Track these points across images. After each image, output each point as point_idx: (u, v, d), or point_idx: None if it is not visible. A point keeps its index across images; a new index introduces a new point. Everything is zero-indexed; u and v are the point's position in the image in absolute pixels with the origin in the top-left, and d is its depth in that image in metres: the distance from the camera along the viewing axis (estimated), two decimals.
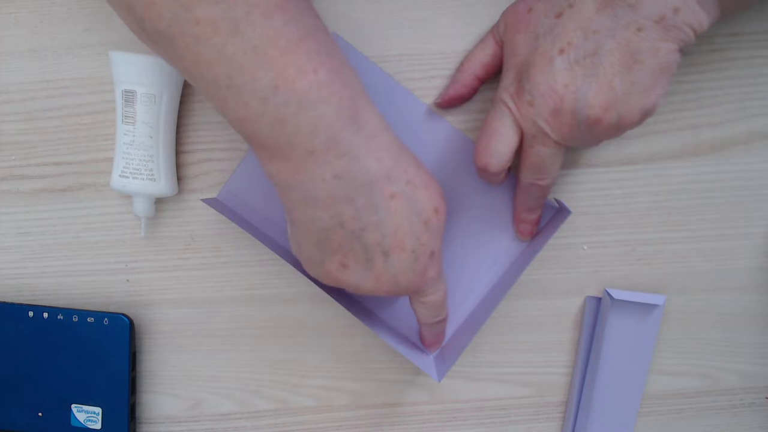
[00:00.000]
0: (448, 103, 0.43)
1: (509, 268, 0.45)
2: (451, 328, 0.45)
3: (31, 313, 0.43)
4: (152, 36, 0.33)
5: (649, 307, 0.44)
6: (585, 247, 0.45)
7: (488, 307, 0.43)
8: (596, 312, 0.45)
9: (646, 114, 0.36)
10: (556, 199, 0.44)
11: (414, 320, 0.45)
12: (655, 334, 0.45)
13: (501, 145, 0.39)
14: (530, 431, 0.48)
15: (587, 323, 0.46)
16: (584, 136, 0.37)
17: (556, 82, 0.35)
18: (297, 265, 0.42)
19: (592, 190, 0.45)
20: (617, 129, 0.37)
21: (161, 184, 0.42)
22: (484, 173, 0.41)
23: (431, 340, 0.44)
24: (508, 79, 0.38)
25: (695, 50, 0.43)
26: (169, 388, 0.46)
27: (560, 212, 0.44)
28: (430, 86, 0.43)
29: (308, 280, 0.41)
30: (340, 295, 0.43)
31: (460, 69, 0.42)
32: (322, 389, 0.46)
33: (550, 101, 0.36)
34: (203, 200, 0.41)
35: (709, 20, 0.35)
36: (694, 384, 0.47)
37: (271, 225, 0.44)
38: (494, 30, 0.41)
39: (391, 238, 0.35)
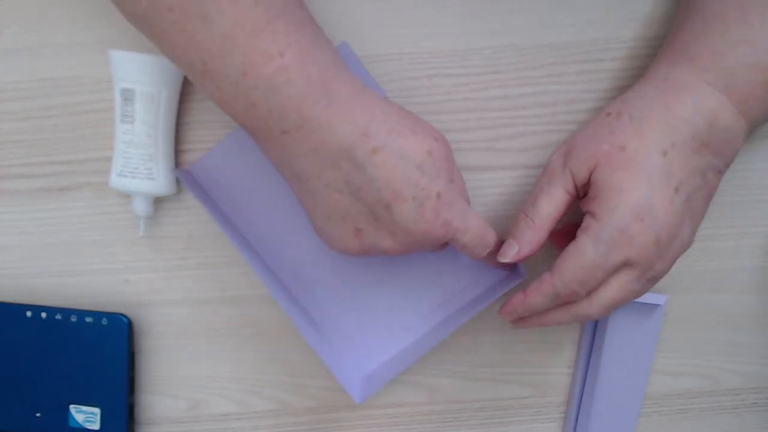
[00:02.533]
0: (524, 259, 0.39)
1: (454, 313, 0.45)
2: (387, 355, 0.45)
3: (29, 313, 0.43)
4: (132, 19, 0.34)
5: (651, 307, 0.44)
6: None
7: (423, 345, 0.43)
8: None
9: None
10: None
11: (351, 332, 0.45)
12: (656, 334, 0.45)
13: (598, 279, 0.37)
14: (530, 431, 0.48)
15: (588, 323, 0.45)
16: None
17: (680, 222, 0.36)
18: (248, 254, 0.40)
19: None
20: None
21: (160, 183, 0.41)
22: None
23: (496, 264, 0.41)
24: (622, 218, 0.35)
25: None
26: (168, 389, 0.46)
27: (514, 274, 0.43)
28: (430, 84, 0.43)
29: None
30: (289, 302, 0.42)
31: (531, 226, 0.38)
32: (322, 389, 0.46)
33: (670, 238, 0.36)
34: (175, 172, 0.41)
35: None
36: (696, 384, 0.47)
37: (237, 208, 0.44)
38: (559, 176, 0.38)
39: (387, 191, 0.35)
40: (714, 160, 0.37)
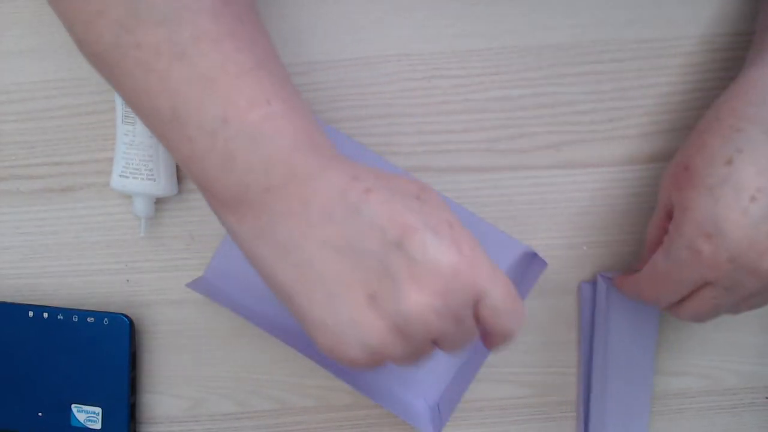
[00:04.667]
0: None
1: None
2: (446, 378, 0.45)
3: (31, 313, 0.43)
4: (91, 59, 0.30)
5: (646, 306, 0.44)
6: (585, 248, 0.45)
7: (479, 358, 0.43)
8: (592, 299, 0.45)
9: None
10: (533, 250, 0.44)
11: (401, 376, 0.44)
12: (655, 329, 0.45)
13: (677, 294, 0.37)
14: (530, 431, 0.48)
15: (584, 312, 0.45)
16: None
17: (759, 232, 0.32)
18: (300, 346, 0.41)
19: (592, 190, 0.45)
20: None
21: (161, 183, 0.42)
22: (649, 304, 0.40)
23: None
24: (687, 237, 0.34)
25: (695, 50, 0.43)
26: (168, 388, 0.46)
27: (535, 263, 0.44)
28: (429, 86, 0.43)
29: None
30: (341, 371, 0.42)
31: (644, 247, 0.41)
32: (322, 389, 0.46)
33: (754, 254, 0.33)
34: (188, 285, 0.41)
35: None
36: (695, 384, 0.47)
37: (262, 300, 0.43)
38: (660, 201, 0.39)
39: (392, 226, 0.28)
40: None
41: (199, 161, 0.29)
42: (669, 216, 0.37)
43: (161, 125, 0.30)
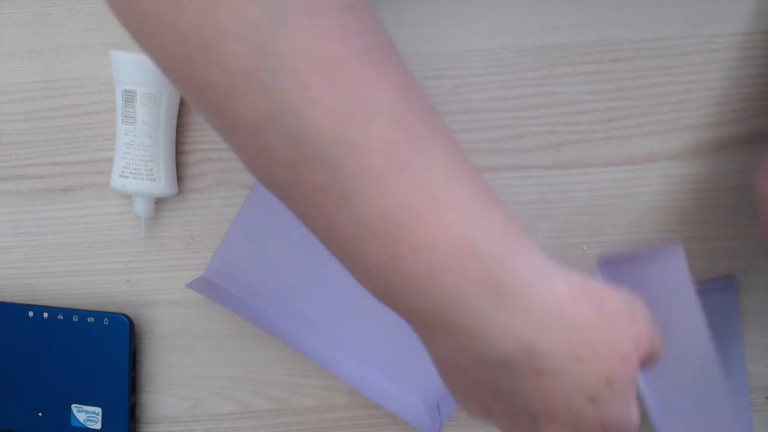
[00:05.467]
0: None
1: None
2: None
3: (31, 313, 0.43)
4: (272, 191, 0.28)
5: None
6: (585, 248, 0.45)
7: None
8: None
9: None
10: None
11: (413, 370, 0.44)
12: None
13: None
14: None
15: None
16: None
17: None
18: (300, 345, 0.41)
19: (592, 190, 0.45)
20: None
21: (161, 183, 0.42)
22: None
23: None
24: None
25: (695, 50, 0.43)
26: (169, 388, 0.46)
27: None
28: (429, 86, 0.43)
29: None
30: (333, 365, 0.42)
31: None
32: (322, 389, 0.46)
33: None
34: (188, 285, 0.41)
35: None
36: None
37: (262, 299, 0.44)
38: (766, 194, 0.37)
39: (540, 406, 0.27)
40: None
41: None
42: None
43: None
